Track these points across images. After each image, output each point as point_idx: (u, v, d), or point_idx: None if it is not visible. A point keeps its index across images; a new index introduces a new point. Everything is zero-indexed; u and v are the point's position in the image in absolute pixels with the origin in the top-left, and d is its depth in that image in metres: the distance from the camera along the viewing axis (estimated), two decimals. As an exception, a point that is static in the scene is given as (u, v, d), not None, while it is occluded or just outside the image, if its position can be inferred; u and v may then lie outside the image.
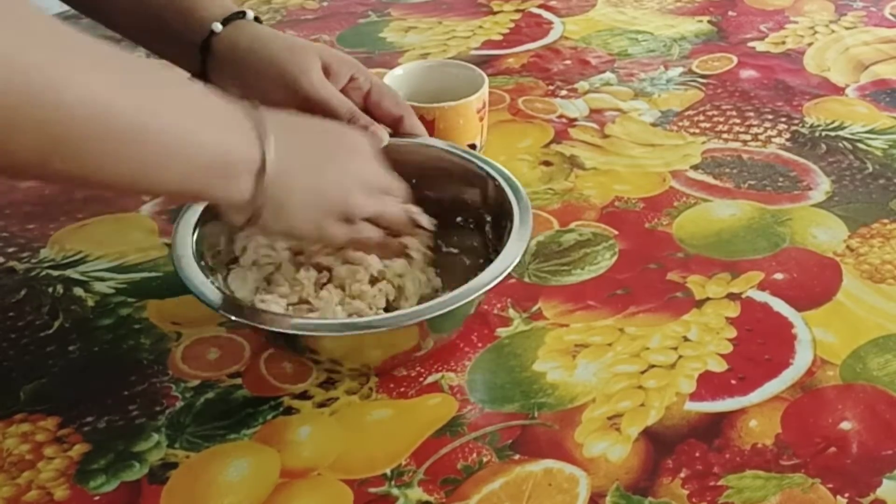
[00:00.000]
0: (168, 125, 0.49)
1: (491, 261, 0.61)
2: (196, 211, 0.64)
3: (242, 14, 0.69)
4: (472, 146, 0.82)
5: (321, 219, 0.59)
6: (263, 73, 0.68)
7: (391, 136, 0.70)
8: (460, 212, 0.71)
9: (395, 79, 0.84)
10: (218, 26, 0.68)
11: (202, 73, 0.70)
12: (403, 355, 0.64)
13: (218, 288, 0.60)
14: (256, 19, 0.71)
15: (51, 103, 0.43)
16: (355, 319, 0.61)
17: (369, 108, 0.71)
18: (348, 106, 0.69)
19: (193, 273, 0.60)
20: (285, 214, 0.57)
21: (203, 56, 0.69)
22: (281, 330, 0.58)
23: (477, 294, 0.58)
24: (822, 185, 0.83)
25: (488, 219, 0.69)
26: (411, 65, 0.87)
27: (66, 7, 0.73)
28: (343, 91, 0.70)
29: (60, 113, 0.43)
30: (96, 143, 0.46)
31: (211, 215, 0.64)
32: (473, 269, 0.62)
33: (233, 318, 0.58)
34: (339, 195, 0.59)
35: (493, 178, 0.68)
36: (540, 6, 1.19)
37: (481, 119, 0.82)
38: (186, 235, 0.63)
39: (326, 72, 0.69)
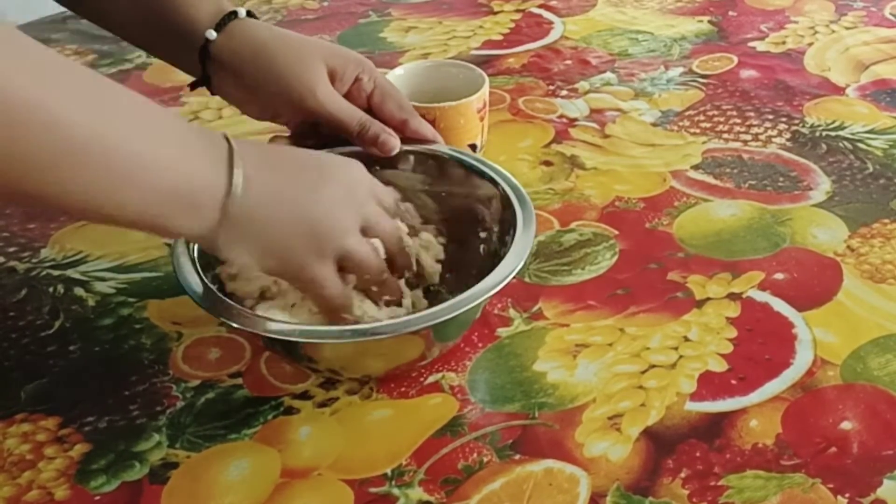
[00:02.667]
0: (127, 146, 0.47)
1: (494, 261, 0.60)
2: None
3: (234, 14, 0.67)
4: (473, 146, 0.82)
5: (290, 254, 0.55)
6: (268, 87, 0.66)
7: (402, 141, 0.68)
8: (463, 220, 0.70)
9: (396, 79, 0.84)
10: (212, 34, 0.66)
11: (204, 78, 0.69)
12: (407, 365, 0.64)
13: (214, 289, 0.59)
14: (249, 14, 0.68)
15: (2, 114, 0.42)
16: (356, 326, 0.59)
17: (372, 109, 0.69)
18: (358, 117, 0.67)
19: (189, 274, 0.59)
20: (251, 246, 0.54)
21: (203, 64, 0.67)
22: (275, 336, 0.57)
23: (482, 299, 0.58)
24: (823, 185, 0.83)
25: (495, 229, 0.68)
26: (412, 65, 0.87)
27: (61, 8, 0.73)
28: (349, 94, 0.68)
29: (14, 126, 0.43)
30: (50, 159, 0.45)
31: None
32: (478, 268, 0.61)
33: (230, 323, 0.56)
34: (314, 228, 0.55)
35: (497, 183, 0.67)
36: (540, 6, 1.19)
37: (482, 119, 0.82)
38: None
39: (332, 76, 0.67)
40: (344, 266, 0.58)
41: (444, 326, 0.59)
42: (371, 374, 0.64)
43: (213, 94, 0.70)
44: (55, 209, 0.59)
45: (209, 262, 0.61)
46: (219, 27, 0.66)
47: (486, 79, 0.82)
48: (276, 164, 0.56)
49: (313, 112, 0.66)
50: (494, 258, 0.62)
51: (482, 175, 0.69)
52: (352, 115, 0.67)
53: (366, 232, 0.58)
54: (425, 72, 0.86)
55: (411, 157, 0.70)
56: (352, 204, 0.57)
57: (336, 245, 0.56)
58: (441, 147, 0.71)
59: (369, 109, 0.69)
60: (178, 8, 0.67)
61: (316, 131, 0.69)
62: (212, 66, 0.67)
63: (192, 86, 0.70)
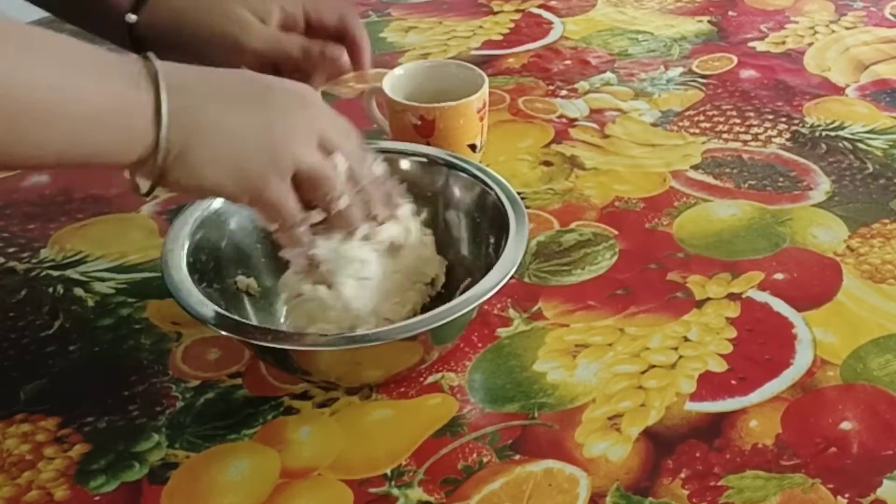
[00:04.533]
0: (39, 81, 0.45)
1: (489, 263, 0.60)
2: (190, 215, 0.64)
3: None
4: (473, 146, 0.82)
5: (245, 167, 0.51)
6: (202, 52, 0.63)
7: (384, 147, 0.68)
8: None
9: (396, 79, 0.84)
10: (132, 17, 0.64)
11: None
12: (406, 371, 0.63)
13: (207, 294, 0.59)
14: None
15: None
16: (351, 333, 0.59)
17: (311, 26, 0.67)
18: (298, 42, 0.65)
19: (181, 281, 0.59)
20: (198, 161, 0.50)
21: (137, 47, 0.65)
22: (268, 344, 0.56)
23: (477, 303, 0.58)
24: (823, 185, 0.83)
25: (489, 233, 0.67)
26: (411, 65, 0.87)
27: (49, 14, 0.72)
28: (282, 27, 0.66)
29: None
30: None
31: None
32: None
33: (221, 331, 0.56)
34: (268, 136, 0.51)
35: (489, 187, 0.67)
36: (540, 6, 1.19)
37: (481, 119, 0.82)
38: (178, 238, 0.62)
39: (257, 16, 0.65)
40: (299, 184, 0.54)
41: (439, 331, 0.58)
42: (370, 384, 0.63)
43: None
44: None
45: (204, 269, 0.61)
46: (136, 8, 0.65)
47: (486, 79, 0.82)
48: (213, 75, 0.53)
49: (253, 54, 0.64)
50: (487, 260, 0.63)
51: (474, 178, 0.69)
52: (290, 41, 0.65)
53: (324, 147, 0.55)
54: (425, 72, 0.86)
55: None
56: (308, 117, 0.54)
57: (293, 157, 0.53)
58: (423, 147, 0.71)
59: (308, 27, 0.68)
60: None
61: None
62: (145, 46, 0.63)
63: None
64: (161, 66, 0.50)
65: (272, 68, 0.66)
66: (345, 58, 0.66)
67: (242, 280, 0.66)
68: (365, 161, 0.59)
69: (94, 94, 0.47)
